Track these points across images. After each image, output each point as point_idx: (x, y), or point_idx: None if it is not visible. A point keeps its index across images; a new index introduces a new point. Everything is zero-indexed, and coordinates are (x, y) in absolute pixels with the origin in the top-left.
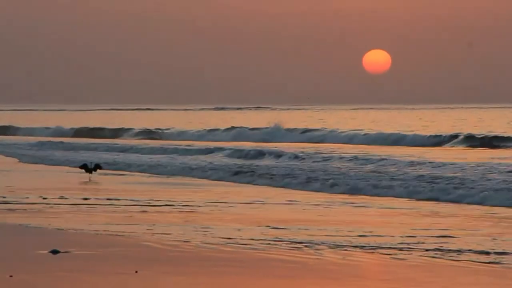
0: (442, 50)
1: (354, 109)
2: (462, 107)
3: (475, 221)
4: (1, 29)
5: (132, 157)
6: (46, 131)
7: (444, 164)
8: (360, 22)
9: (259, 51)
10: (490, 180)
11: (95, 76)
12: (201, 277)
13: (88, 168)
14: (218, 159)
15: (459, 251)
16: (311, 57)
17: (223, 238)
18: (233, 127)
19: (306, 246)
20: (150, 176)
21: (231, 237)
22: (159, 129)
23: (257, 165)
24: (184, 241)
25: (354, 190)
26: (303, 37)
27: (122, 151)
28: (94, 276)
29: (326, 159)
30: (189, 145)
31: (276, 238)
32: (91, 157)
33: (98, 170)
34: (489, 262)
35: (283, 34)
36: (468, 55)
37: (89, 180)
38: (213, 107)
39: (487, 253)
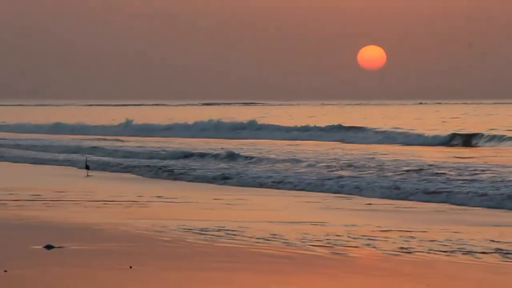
0: (437, 46)
1: (348, 104)
2: (456, 103)
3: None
4: None
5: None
6: None
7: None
8: (355, 18)
9: (253, 47)
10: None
11: (77, 71)
12: (195, 272)
13: (87, 165)
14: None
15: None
16: (305, 53)
17: (216, 234)
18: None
19: (297, 242)
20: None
21: (224, 233)
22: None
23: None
24: (178, 237)
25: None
26: (297, 33)
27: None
28: (89, 271)
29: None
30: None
31: (270, 234)
32: None
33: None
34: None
35: (277, 29)
36: (464, 51)
37: (87, 175)
38: (202, 102)
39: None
